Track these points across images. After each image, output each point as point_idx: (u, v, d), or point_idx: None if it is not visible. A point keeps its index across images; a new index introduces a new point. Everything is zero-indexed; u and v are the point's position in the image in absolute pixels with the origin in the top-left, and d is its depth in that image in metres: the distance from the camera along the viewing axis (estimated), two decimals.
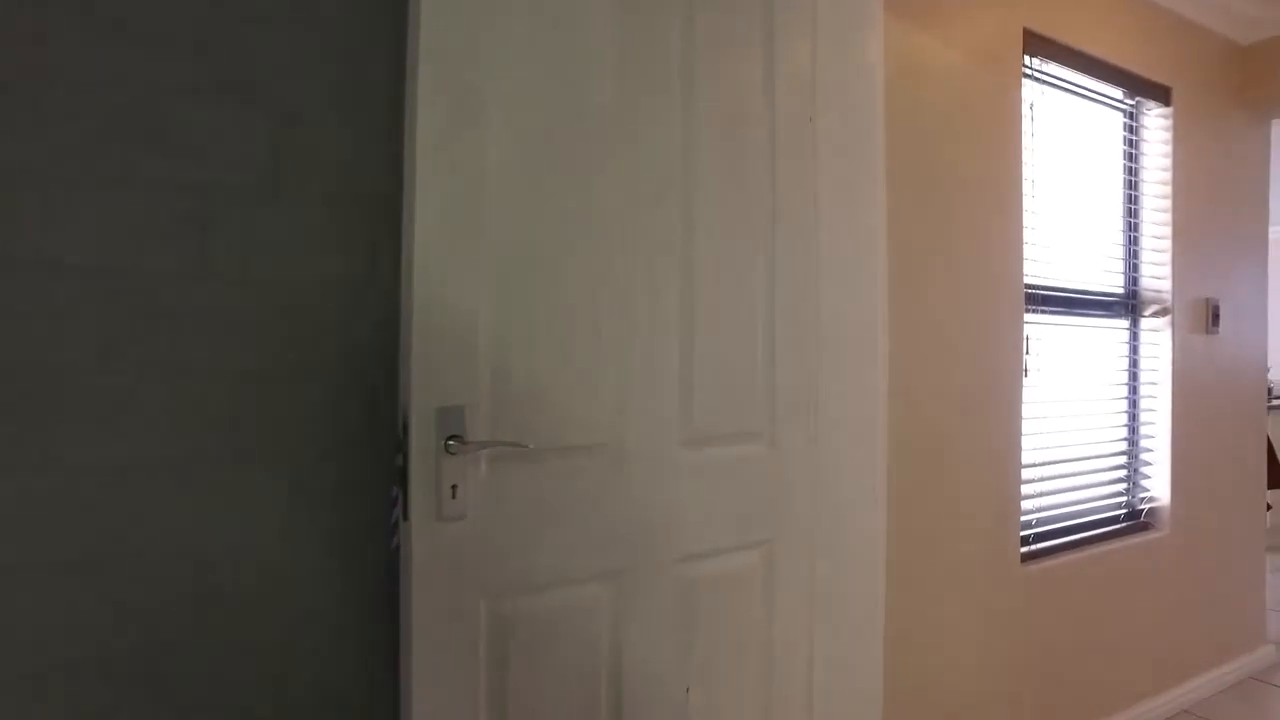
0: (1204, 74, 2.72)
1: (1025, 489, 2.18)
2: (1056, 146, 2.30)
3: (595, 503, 1.23)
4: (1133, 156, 2.57)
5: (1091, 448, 2.45)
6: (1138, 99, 2.53)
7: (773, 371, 1.44)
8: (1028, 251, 2.15)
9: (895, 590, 1.73)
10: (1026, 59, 2.16)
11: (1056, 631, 2.20)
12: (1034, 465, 2.22)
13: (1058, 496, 2.31)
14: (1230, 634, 2.84)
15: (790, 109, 1.46)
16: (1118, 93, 2.48)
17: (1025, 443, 2.15)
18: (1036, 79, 2.22)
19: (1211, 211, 2.76)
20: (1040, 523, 2.26)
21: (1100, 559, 2.34)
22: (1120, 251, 2.56)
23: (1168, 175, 2.59)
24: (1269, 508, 3.19)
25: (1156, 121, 2.61)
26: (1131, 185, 2.56)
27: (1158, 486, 2.60)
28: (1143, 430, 2.61)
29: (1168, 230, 2.59)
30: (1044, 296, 2.25)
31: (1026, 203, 2.13)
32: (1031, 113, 2.20)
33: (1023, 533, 2.16)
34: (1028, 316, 2.17)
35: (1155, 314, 2.58)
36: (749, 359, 1.42)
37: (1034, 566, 2.15)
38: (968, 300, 1.95)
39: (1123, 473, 2.55)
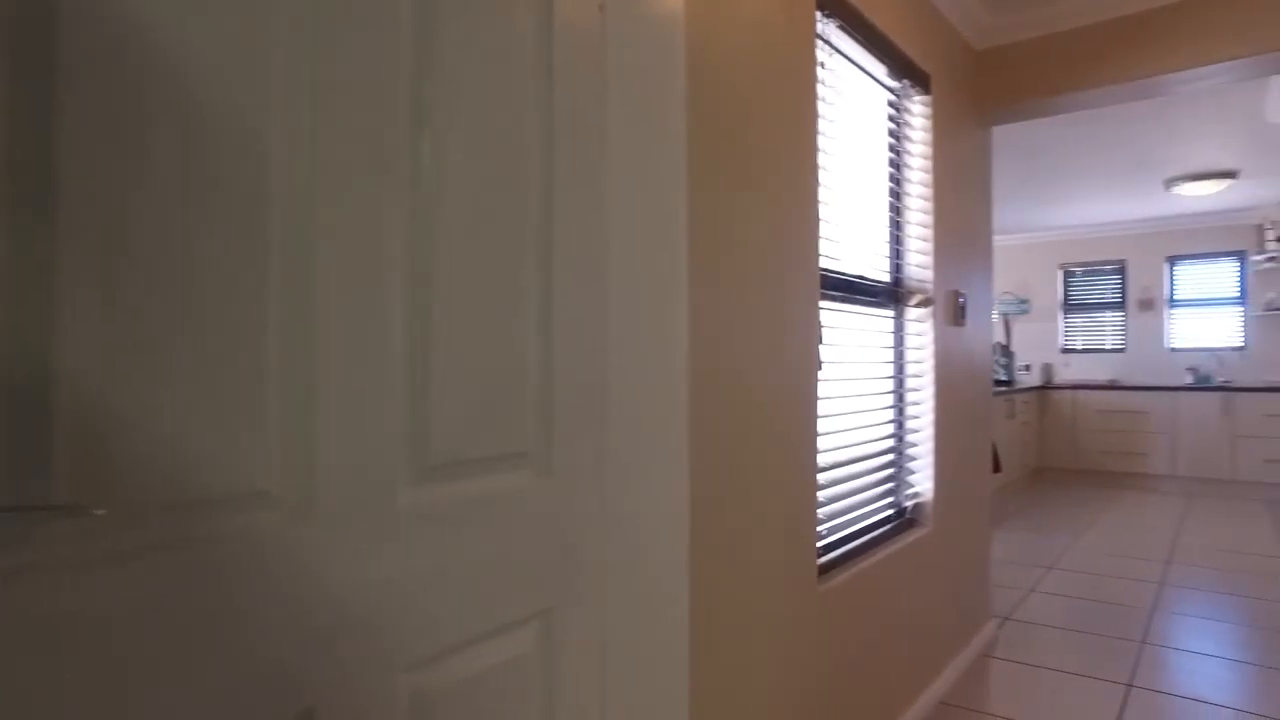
0: (951, 70, 2.72)
1: (819, 495, 1.94)
2: (839, 121, 2.10)
3: (245, 606, 0.69)
4: (898, 137, 2.47)
5: (870, 446, 2.30)
6: (904, 80, 2.44)
7: (549, 367, 0.99)
8: (822, 231, 1.91)
9: (694, 634, 1.36)
10: (819, 18, 1.92)
11: (848, 648, 1.99)
12: (827, 469, 1.99)
13: (846, 501, 2.12)
14: (971, 616, 2.89)
15: None
16: (887, 71, 2.36)
17: (819, 444, 1.91)
18: (825, 42, 1.99)
19: (957, 207, 2.77)
20: (831, 531, 2.04)
21: (883, 565, 2.18)
22: (887, 237, 2.45)
23: (929, 164, 2.54)
24: (997, 469, 3.35)
25: (920, 108, 2.54)
26: (897, 171, 2.46)
27: (923, 482, 2.54)
28: (909, 425, 2.53)
29: (930, 219, 2.53)
30: (833, 282, 2.04)
31: (820, 176, 1.89)
32: (823, 80, 1.97)
33: (817, 544, 1.92)
34: (820, 304, 1.93)
35: (919, 304, 2.51)
36: (514, 350, 0.95)
37: (828, 584, 1.92)
38: (768, 284, 1.65)
39: (892, 470, 2.45)
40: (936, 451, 2.53)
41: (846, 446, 2.13)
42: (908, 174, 2.51)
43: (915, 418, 2.54)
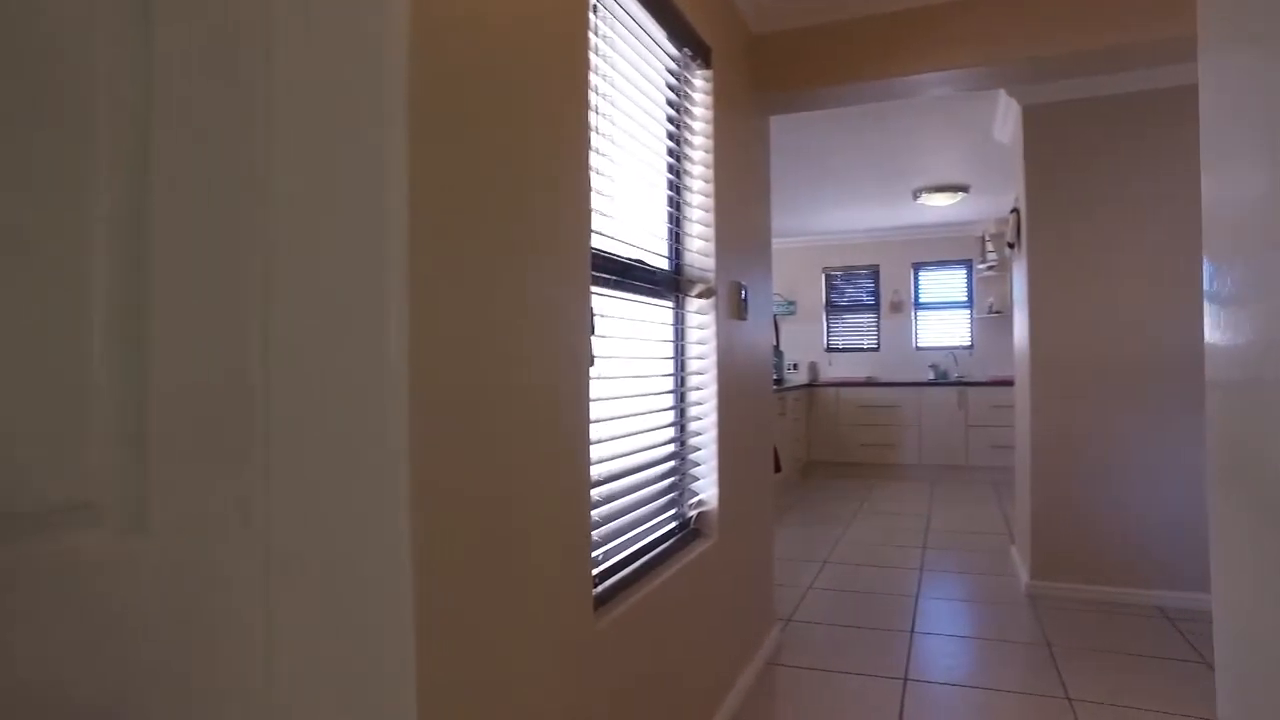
0: (731, 49, 2.57)
1: (595, 514, 1.66)
2: (617, 88, 1.84)
3: None
4: (680, 110, 2.26)
5: (651, 453, 2.06)
6: (685, 50, 2.24)
7: (147, 354, 0.60)
8: (596, 205, 1.63)
9: (432, 707, 1.01)
10: None
11: (631, 685, 1.73)
12: (603, 481, 1.71)
13: (626, 518, 1.85)
14: (757, 624, 2.77)
15: None
16: (667, 35, 2.14)
17: (594, 452, 1.63)
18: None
19: (739, 194, 2.64)
20: (608, 555, 1.77)
21: (667, 586, 1.94)
22: (667, 220, 2.23)
23: (711, 145, 2.36)
24: (778, 469, 3.29)
25: (701, 83, 2.36)
26: (678, 147, 2.26)
27: (707, 489, 2.35)
28: (692, 427, 2.33)
29: (711, 203, 2.35)
30: (608, 265, 1.76)
31: (594, 142, 1.60)
32: (597, 41, 1.69)
33: (594, 571, 1.63)
34: (593, 290, 1.65)
35: (701, 294, 2.32)
36: (72, 327, 0.55)
37: (607, 618, 1.63)
38: (529, 266, 1.33)
39: (675, 478, 2.23)
40: (721, 455, 2.36)
41: (625, 455, 1.87)
42: (690, 153, 2.32)
43: (698, 419, 2.35)
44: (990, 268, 7.43)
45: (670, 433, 2.24)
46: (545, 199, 1.37)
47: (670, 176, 2.22)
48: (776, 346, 8.43)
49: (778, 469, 3.30)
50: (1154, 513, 3.45)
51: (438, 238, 1.07)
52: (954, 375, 7.74)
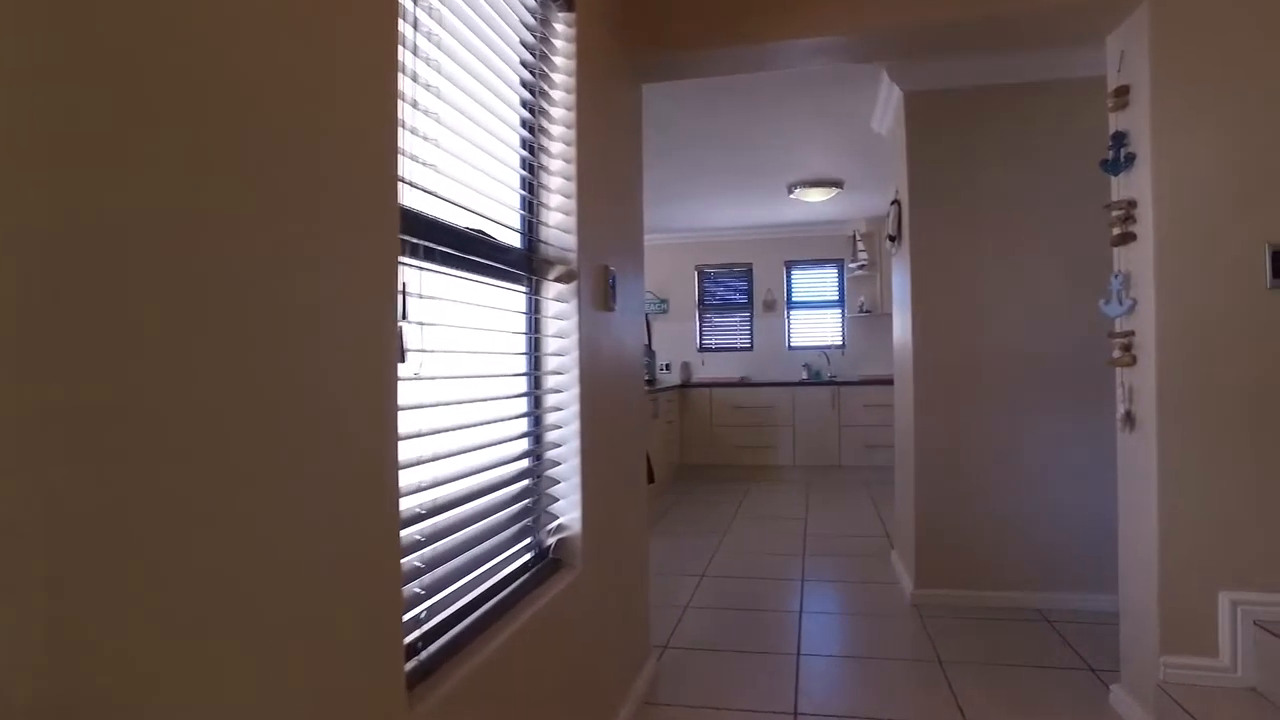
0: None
1: (412, 560, 1.24)
2: (441, 21, 1.42)
3: None
4: (538, 55, 1.87)
5: (494, 472, 1.66)
6: None
7: None
8: (408, 147, 1.21)
9: None
10: None
11: None
12: (424, 517, 1.29)
13: (457, 560, 1.43)
14: (630, 659, 2.42)
15: None
16: None
17: (406, 478, 1.21)
18: None
19: (607, 166, 2.27)
20: (432, 612, 1.35)
21: (515, 640, 1.54)
22: (519, 187, 1.83)
23: (573, 100, 1.98)
24: (652, 479, 2.96)
25: (563, 29, 1.97)
26: (535, 100, 1.86)
27: (569, 511, 1.97)
28: (550, 436, 1.94)
29: (573, 170, 1.97)
30: (431, 233, 1.35)
31: (405, 87, 1.18)
32: None
33: (408, 638, 1.21)
34: (409, 264, 1.23)
35: (561, 278, 1.94)
36: None
37: (430, 698, 1.22)
38: (292, 228, 0.90)
39: (529, 501, 1.84)
40: (585, 469, 1.98)
41: (459, 477, 1.45)
42: (550, 110, 1.93)
43: (557, 428, 1.96)
44: (861, 267, 7.45)
45: (523, 445, 1.84)
46: (298, 131, 0.94)
47: (524, 134, 1.83)
48: (649, 346, 8.16)
49: (651, 479, 2.96)
50: (1037, 514, 3.36)
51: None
52: (827, 375, 7.72)
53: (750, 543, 4.73)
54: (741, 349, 8.15)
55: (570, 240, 1.96)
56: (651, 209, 6.89)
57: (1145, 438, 2.15)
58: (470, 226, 1.54)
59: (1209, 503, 2.06)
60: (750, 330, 8.12)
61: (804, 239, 7.92)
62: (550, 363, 1.95)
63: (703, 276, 8.28)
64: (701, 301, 8.29)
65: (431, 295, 1.34)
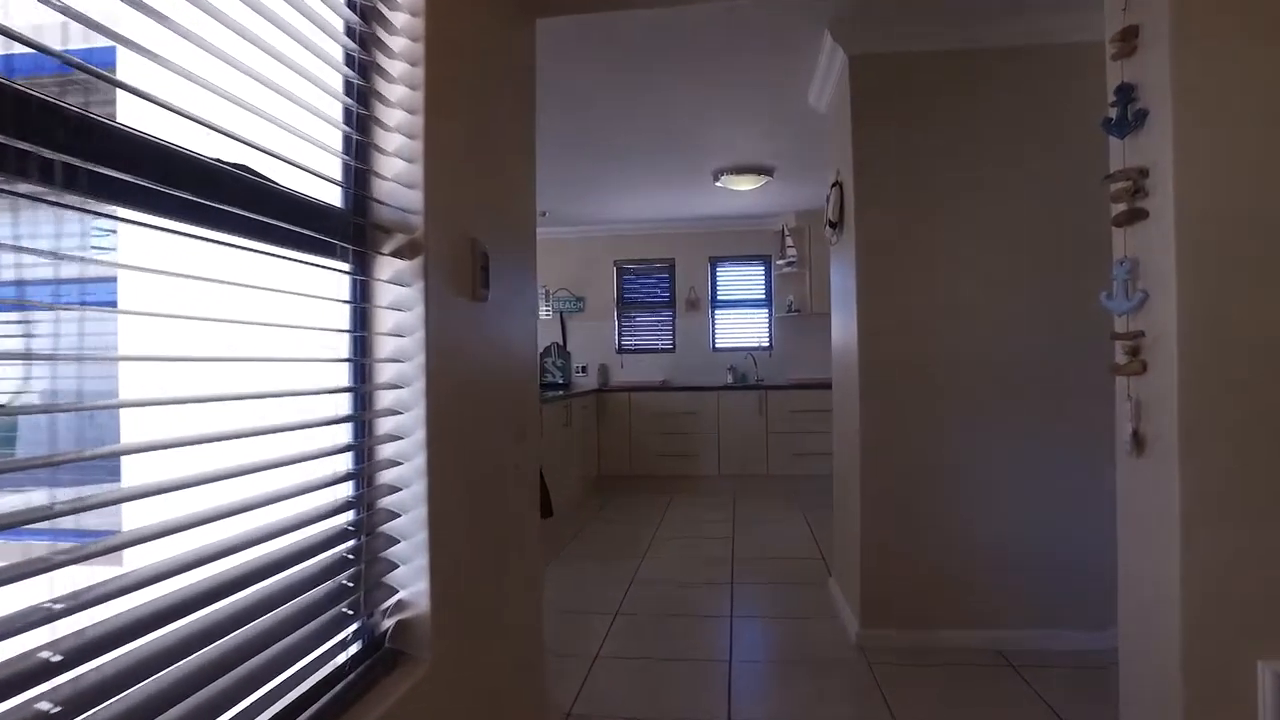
0: None
1: (121, 699, 0.64)
2: None
3: None
4: None
5: (284, 541, 1.06)
6: None
7: None
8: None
9: None
10: None
11: None
12: (141, 629, 0.69)
13: (217, 685, 0.84)
14: None
15: None
16: None
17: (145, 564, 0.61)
18: None
19: (476, 112, 1.70)
20: None
21: None
22: (341, 121, 1.24)
23: (421, 30, 1.40)
24: (548, 513, 2.39)
25: None
26: (364, 30, 1.27)
27: (412, 580, 1.39)
28: (385, 478, 1.36)
29: (420, 101, 1.39)
30: (159, 170, 0.75)
31: None
32: None
33: None
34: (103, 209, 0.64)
35: (399, 252, 1.35)
36: None
37: None
38: None
39: (352, 570, 1.25)
40: (435, 519, 1.40)
41: (223, 553, 0.86)
42: (388, 45, 1.34)
43: (395, 464, 1.37)
44: (790, 264, 7.04)
45: (342, 492, 1.25)
46: None
47: (351, 46, 1.24)
48: (563, 347, 7.59)
49: (548, 512, 2.39)
50: (1000, 541, 2.93)
51: None
52: (754, 378, 7.29)
53: (672, 569, 4.20)
54: (663, 350, 7.65)
55: (413, 199, 1.37)
56: (568, 200, 6.32)
57: (1162, 464, 1.70)
58: (232, 163, 0.95)
59: (1248, 548, 1.63)
60: (673, 331, 7.63)
61: (730, 234, 7.47)
62: (384, 372, 1.36)
63: (622, 273, 7.75)
64: (621, 299, 7.75)
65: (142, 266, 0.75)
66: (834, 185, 3.32)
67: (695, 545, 4.75)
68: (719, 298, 7.58)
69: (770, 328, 7.47)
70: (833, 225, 3.33)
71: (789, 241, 6.99)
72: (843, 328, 3.30)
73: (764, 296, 7.50)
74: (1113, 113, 1.84)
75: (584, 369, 7.67)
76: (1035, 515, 2.91)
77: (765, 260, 7.45)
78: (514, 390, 1.91)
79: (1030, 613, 2.90)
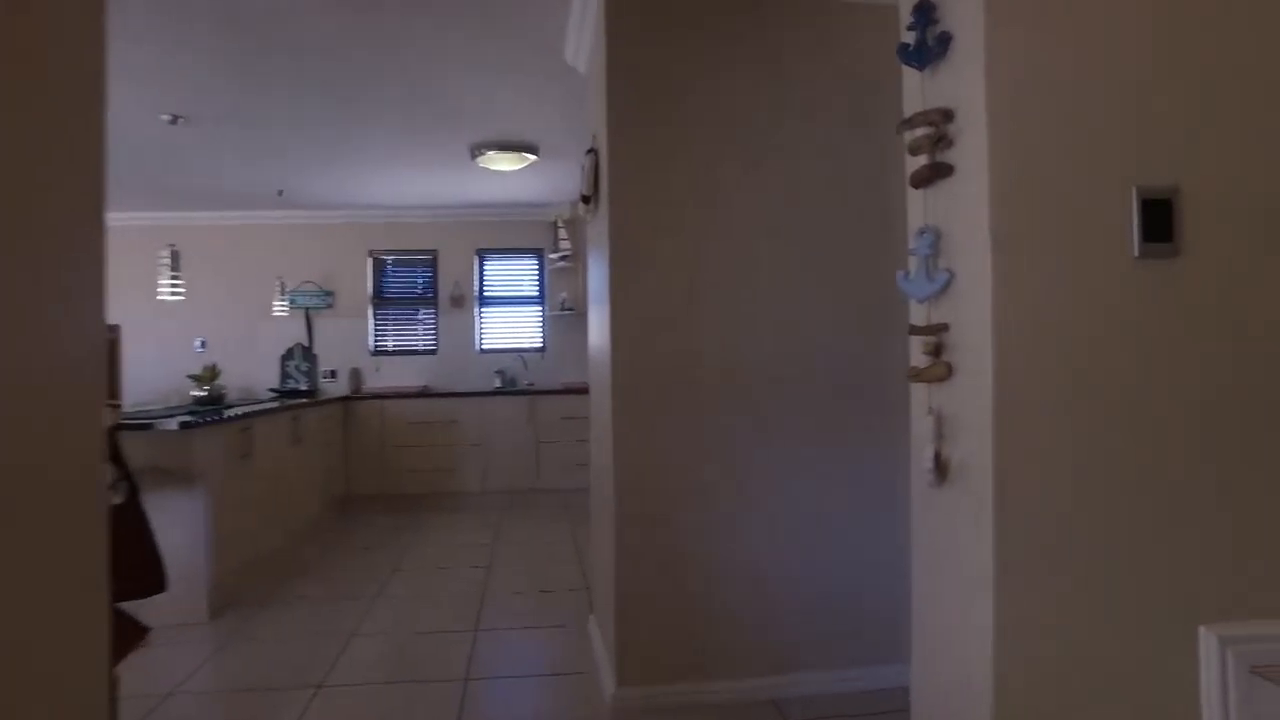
0: None
1: None
2: None
3: None
4: None
5: None
6: None
7: None
8: None
9: None
10: None
11: None
12: None
13: None
14: None
15: None
16: None
17: None
18: None
19: None
20: None
21: None
22: None
23: None
24: (143, 641, 1.61)
25: None
26: None
27: None
28: None
29: None
30: None
31: None
32: None
33: None
34: None
35: None
36: None
37: None
38: None
39: None
40: None
41: None
42: None
43: None
44: (564, 258, 6.51)
45: None
46: None
47: None
48: (308, 349, 6.56)
49: (154, 585, 1.61)
50: (782, 575, 2.52)
51: None
52: (524, 382, 6.68)
53: (407, 613, 3.47)
54: (424, 352, 6.82)
55: None
56: (309, 176, 5.37)
57: (971, 498, 1.30)
58: None
59: (1073, 599, 1.25)
60: (435, 330, 6.83)
61: (499, 224, 6.81)
62: None
63: (379, 264, 6.83)
64: (377, 294, 6.83)
65: None
66: (589, 152, 2.78)
67: (444, 578, 4.05)
68: (487, 294, 6.89)
69: (544, 327, 6.89)
70: (586, 200, 2.79)
71: (562, 234, 6.46)
72: (598, 324, 2.77)
73: (537, 293, 6.91)
74: (910, 37, 1.42)
75: (333, 373, 6.67)
76: (824, 543, 2.53)
77: (538, 253, 6.87)
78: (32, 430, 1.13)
79: (822, 653, 2.52)
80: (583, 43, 3.02)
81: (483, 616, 3.41)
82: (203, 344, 6.55)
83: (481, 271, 6.87)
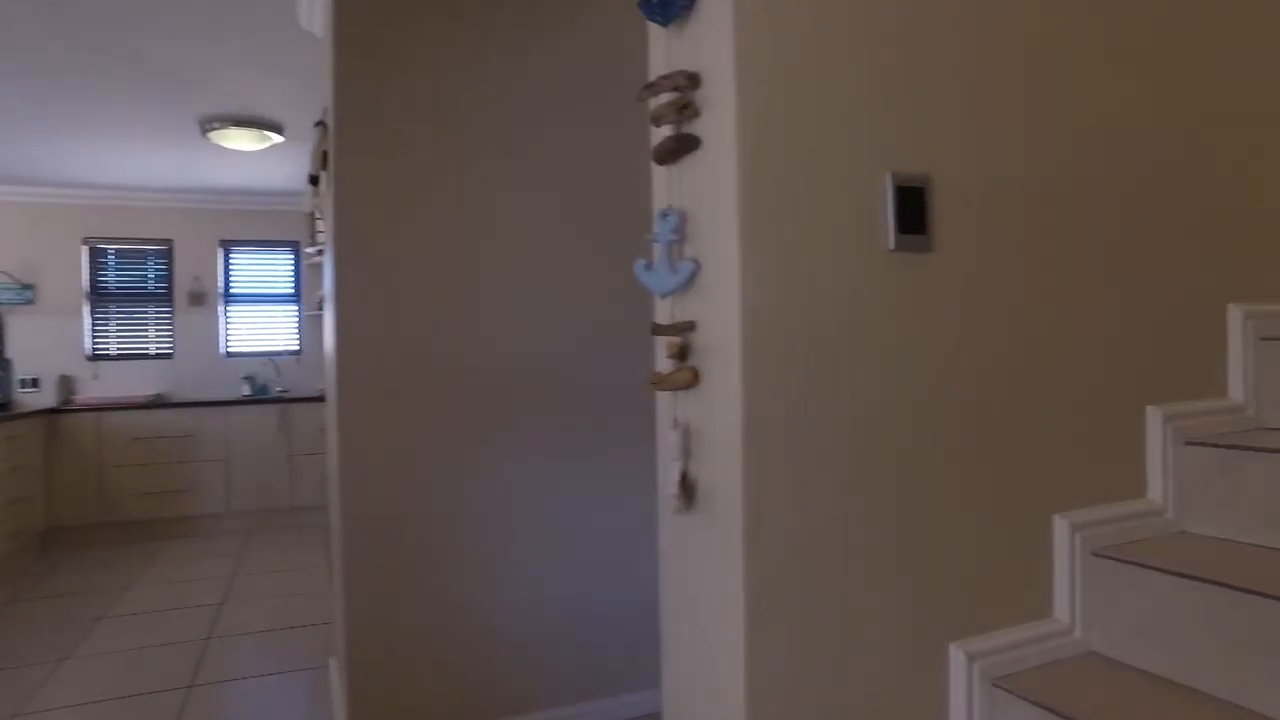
0: None
1: None
2: None
3: None
4: None
5: None
6: None
7: None
8: None
9: None
10: None
11: None
12: None
13: None
14: None
15: None
16: None
17: None
18: None
19: None
20: None
21: None
22: None
23: None
24: None
25: None
26: None
27: None
28: None
29: None
30: None
31: None
32: None
33: None
34: None
35: None
36: None
37: None
38: None
39: None
40: None
41: None
42: None
43: None
44: (321, 252, 5.89)
45: None
46: None
47: None
48: (0, 353, 5.45)
49: None
50: (532, 602, 2.29)
51: None
52: (276, 389, 5.98)
53: (104, 673, 2.87)
54: (158, 356, 5.91)
55: None
56: (7, 143, 4.39)
57: (720, 527, 1.14)
58: None
59: (832, 632, 1.13)
60: (171, 330, 5.94)
61: (248, 213, 6.05)
62: None
63: (97, 254, 5.82)
64: (95, 289, 5.81)
65: None
66: (317, 125, 2.40)
67: (161, 622, 3.43)
68: (234, 290, 6.10)
69: (300, 328, 6.22)
70: (314, 181, 2.41)
71: (320, 226, 5.85)
72: (329, 323, 2.41)
73: (292, 290, 6.23)
74: None
75: (35, 381, 5.58)
76: (585, 565, 2.34)
77: (293, 246, 6.19)
78: None
79: (584, 683, 2.32)
80: (314, 4, 2.63)
81: (201, 668, 2.89)
82: None
83: (227, 265, 6.07)
